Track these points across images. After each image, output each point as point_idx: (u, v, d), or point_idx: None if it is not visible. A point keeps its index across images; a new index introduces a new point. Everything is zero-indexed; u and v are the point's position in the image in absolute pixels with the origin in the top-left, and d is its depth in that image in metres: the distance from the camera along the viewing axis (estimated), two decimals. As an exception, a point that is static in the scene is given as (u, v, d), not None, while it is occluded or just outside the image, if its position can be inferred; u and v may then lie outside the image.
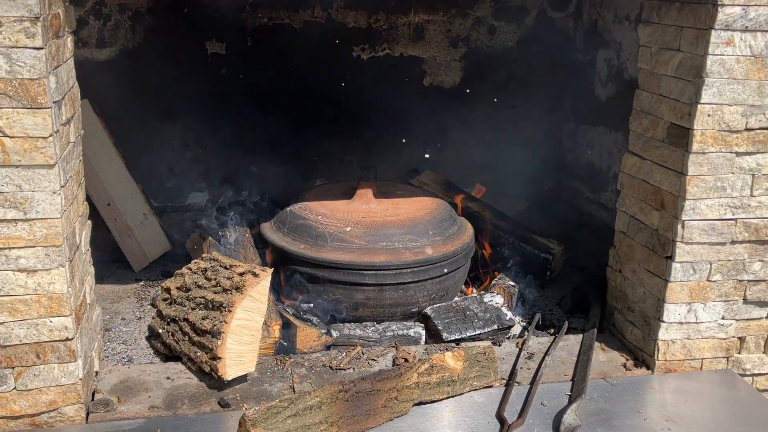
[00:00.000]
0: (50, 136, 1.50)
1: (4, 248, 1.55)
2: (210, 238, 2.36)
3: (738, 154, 1.86)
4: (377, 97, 2.81)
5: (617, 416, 1.82)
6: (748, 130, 1.84)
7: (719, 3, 1.72)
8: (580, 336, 2.19)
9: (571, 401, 1.83)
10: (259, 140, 2.80)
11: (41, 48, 1.44)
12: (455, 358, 1.85)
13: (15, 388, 1.66)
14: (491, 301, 2.27)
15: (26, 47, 1.43)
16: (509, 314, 2.25)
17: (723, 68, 1.78)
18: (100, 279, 2.21)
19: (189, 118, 2.75)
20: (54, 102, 1.52)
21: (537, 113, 3.04)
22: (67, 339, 1.65)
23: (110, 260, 2.64)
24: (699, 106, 1.80)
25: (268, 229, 2.32)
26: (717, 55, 1.77)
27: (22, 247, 1.55)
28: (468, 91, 2.99)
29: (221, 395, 1.83)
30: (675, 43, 1.89)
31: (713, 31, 1.75)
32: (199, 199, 2.90)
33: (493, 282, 2.39)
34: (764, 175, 1.89)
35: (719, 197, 1.88)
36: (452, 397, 1.85)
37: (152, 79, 2.68)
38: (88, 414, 1.74)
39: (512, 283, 2.38)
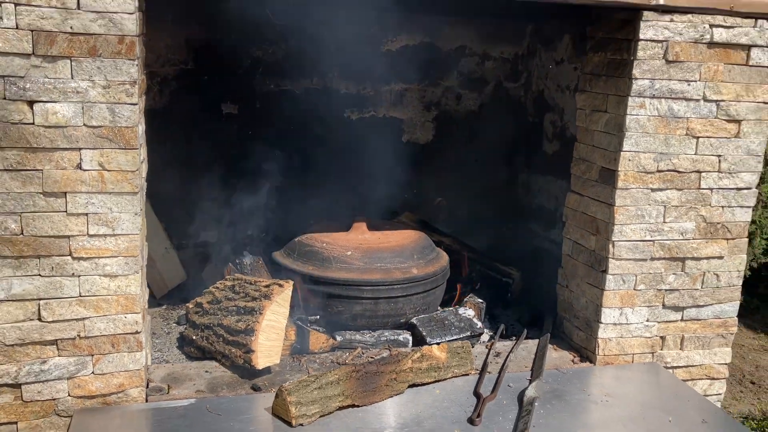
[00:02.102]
0: (136, 170, 1.97)
1: (95, 257, 1.99)
2: (230, 264, 2.81)
3: (653, 189, 2.43)
4: (364, 150, 3.35)
5: (567, 393, 2.31)
6: (659, 171, 2.42)
7: (633, 77, 2.32)
8: (537, 340, 2.70)
9: (531, 381, 2.32)
10: (265, 186, 3.28)
11: (135, 104, 1.93)
12: (440, 349, 2.33)
13: (93, 372, 2.07)
14: (464, 313, 2.76)
15: (126, 103, 1.91)
16: (479, 324, 2.74)
17: (638, 125, 2.36)
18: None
19: (205, 168, 3.22)
20: (139, 145, 2.00)
21: (496, 165, 3.62)
22: (137, 332, 2.08)
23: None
24: (622, 153, 2.38)
25: (280, 256, 2.79)
26: (633, 115, 2.35)
27: (108, 257, 2.00)
28: (439, 146, 3.55)
29: (252, 382, 2.26)
30: (603, 106, 2.48)
31: (630, 98, 2.34)
32: (210, 237, 3.35)
33: (465, 299, 2.89)
34: (673, 206, 2.46)
35: (640, 223, 2.44)
36: (438, 381, 2.32)
37: (175, 134, 3.16)
38: (147, 396, 2.16)
39: (480, 300, 2.88)
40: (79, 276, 1.98)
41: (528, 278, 3.21)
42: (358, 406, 2.12)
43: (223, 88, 3.20)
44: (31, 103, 1.84)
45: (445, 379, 2.33)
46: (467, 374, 2.38)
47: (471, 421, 2.09)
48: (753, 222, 6.49)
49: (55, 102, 1.85)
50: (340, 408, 2.09)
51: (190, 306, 2.61)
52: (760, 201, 6.46)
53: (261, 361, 2.25)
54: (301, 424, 2.00)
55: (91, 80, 1.86)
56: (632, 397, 2.33)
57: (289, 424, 2.00)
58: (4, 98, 1.82)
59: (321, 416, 2.05)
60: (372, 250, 2.69)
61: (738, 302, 2.64)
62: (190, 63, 3.15)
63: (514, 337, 2.76)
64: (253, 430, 1.99)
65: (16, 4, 1.77)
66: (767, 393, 5.63)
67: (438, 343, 2.46)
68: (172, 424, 2.00)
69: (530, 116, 3.57)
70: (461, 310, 2.78)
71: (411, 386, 2.26)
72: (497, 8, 2.80)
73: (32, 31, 1.79)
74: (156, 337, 2.70)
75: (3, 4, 1.75)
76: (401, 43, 3.34)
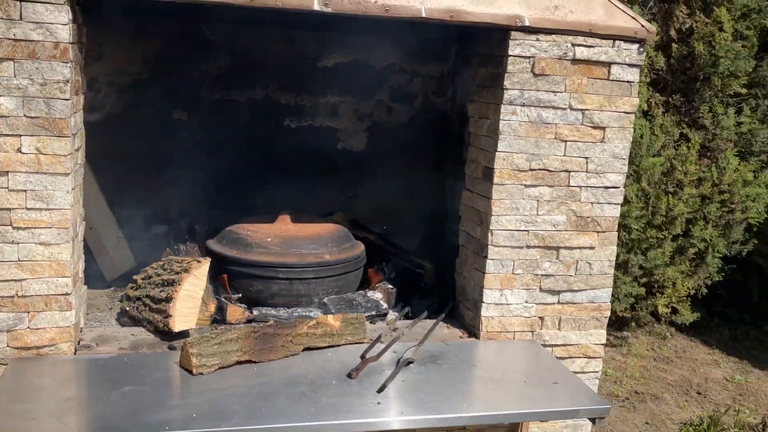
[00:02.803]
0: (69, 155, 2.36)
1: (32, 227, 2.36)
2: (167, 249, 3.18)
3: (526, 186, 2.79)
4: (302, 156, 3.74)
5: (443, 359, 2.65)
6: (531, 170, 2.79)
7: (505, 88, 2.70)
8: (434, 320, 3.05)
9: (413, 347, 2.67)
10: (210, 187, 3.66)
11: (68, 99, 2.32)
12: (335, 319, 2.68)
13: (28, 327, 2.43)
14: (373, 296, 3.12)
15: (59, 98, 2.30)
16: (385, 305, 3.10)
17: (511, 129, 2.74)
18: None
19: (157, 168, 3.61)
20: (72, 134, 2.38)
21: (425, 172, 3.99)
22: (67, 294, 2.44)
23: (89, 273, 3.42)
24: (497, 153, 2.75)
25: (212, 243, 3.16)
26: (506, 120, 2.73)
27: (43, 228, 2.37)
28: (373, 154, 3.93)
29: (170, 343, 2.62)
30: (486, 113, 2.86)
31: (503, 106, 2.72)
32: (160, 230, 3.72)
33: (376, 285, 3.24)
34: (546, 200, 2.82)
35: (515, 215, 2.80)
36: (333, 346, 2.66)
37: (130, 137, 3.55)
38: (76, 351, 2.52)
39: (390, 286, 3.24)
40: (18, 243, 2.35)
41: (443, 271, 3.56)
42: (255, 362, 2.47)
43: (174, 97, 3.59)
44: (-22, 97, 2.23)
45: (339, 345, 2.68)
46: (361, 342, 2.73)
47: (349, 375, 2.43)
48: (704, 240, 6.87)
49: (1, 96, 2.24)
50: (239, 362, 2.45)
51: (130, 284, 2.98)
52: (710, 220, 6.84)
53: (177, 325, 2.61)
54: (201, 373, 2.35)
55: (31, 78, 2.25)
56: (500, 364, 2.67)
57: (191, 372, 2.35)
58: (-43, 92, 2.21)
59: (220, 368, 2.40)
60: (290, 237, 3.06)
61: (610, 289, 2.99)
62: (145, 74, 3.55)
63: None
64: (159, 377, 2.35)
65: (-32, 15, 2.17)
66: (711, 403, 6.00)
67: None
68: (93, 371, 2.36)
69: (455, 127, 3.94)
70: (370, 293, 3.13)
71: (306, 349, 2.61)
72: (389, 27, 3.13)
73: (-19, 37, 2.19)
74: (99, 311, 3.06)
75: (-43, 15, 2.15)
76: (336, 60, 3.73)
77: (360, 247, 3.25)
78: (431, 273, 3.48)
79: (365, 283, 3.33)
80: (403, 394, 2.36)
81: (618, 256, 6.25)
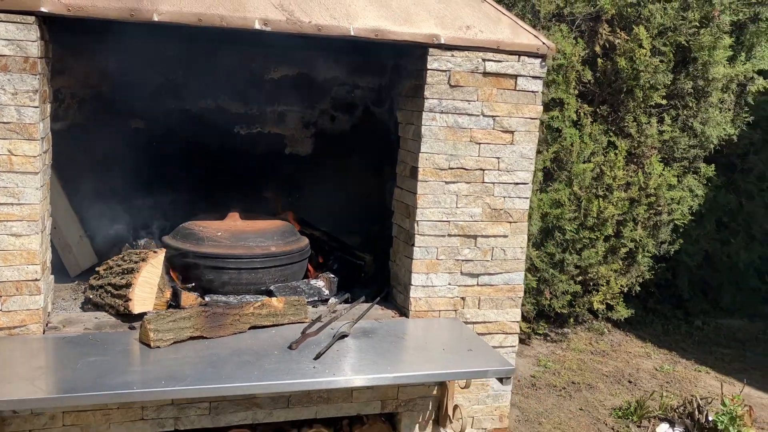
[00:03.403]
0: (38, 156, 2.67)
1: (4, 220, 2.66)
2: (127, 244, 3.49)
3: (446, 182, 3.19)
4: (252, 160, 4.08)
5: (374, 333, 3.02)
6: (450, 168, 3.18)
7: (425, 97, 3.09)
8: (370, 303, 3.41)
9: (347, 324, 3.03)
10: (166, 189, 3.98)
11: (37, 107, 2.64)
12: (278, 301, 3.03)
13: (0, 309, 2.72)
14: (315, 283, 3.47)
15: (29, 106, 2.62)
16: (327, 292, 3.45)
17: (432, 133, 3.13)
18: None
19: (117, 173, 3.91)
20: (41, 138, 2.69)
21: (366, 174, 4.36)
22: (36, 279, 2.74)
23: (54, 269, 3.70)
24: (420, 154, 3.14)
25: (167, 238, 3.48)
26: (428, 126, 3.12)
27: (15, 221, 2.67)
28: (318, 158, 4.29)
29: (130, 324, 2.93)
30: (411, 119, 3.25)
31: (424, 113, 3.11)
32: (122, 231, 4.01)
33: (319, 274, 3.59)
34: (464, 195, 3.22)
35: (437, 208, 3.19)
36: (276, 325, 3.01)
37: (91, 144, 3.85)
38: (44, 331, 2.81)
39: (332, 276, 3.59)
40: (-8, 234, 2.65)
41: (383, 263, 3.93)
42: (206, 338, 2.80)
43: (132, 107, 3.91)
44: (-43, 104, 2.54)
45: (282, 324, 3.03)
46: (302, 322, 3.08)
47: (290, 347, 2.78)
48: (634, 240, 7.39)
49: (-25, 104, 2.55)
50: (192, 338, 2.77)
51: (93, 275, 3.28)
52: (639, 222, 7.37)
53: (137, 308, 2.93)
54: (158, 346, 2.68)
55: (3, 89, 2.57)
56: (424, 337, 3.04)
57: (149, 346, 2.67)
58: (-62, 100, 2.51)
59: (174, 342, 2.72)
60: (238, 232, 3.39)
61: (522, 273, 3.39)
62: (105, 86, 3.86)
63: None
64: (120, 350, 2.66)
65: (-51, 33, 2.48)
66: (640, 390, 6.51)
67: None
68: (60, 346, 2.66)
69: (392, 134, 4.33)
70: (313, 282, 3.48)
71: (253, 327, 2.95)
72: (329, 45, 3.51)
73: (-40, 52, 2.50)
74: (64, 301, 3.35)
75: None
76: (282, 72, 4.10)
77: (304, 241, 3.60)
78: (371, 264, 3.85)
79: (309, 274, 3.68)
80: (336, 360, 2.71)
81: (554, 255, 6.73)
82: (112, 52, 3.77)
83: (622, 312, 7.84)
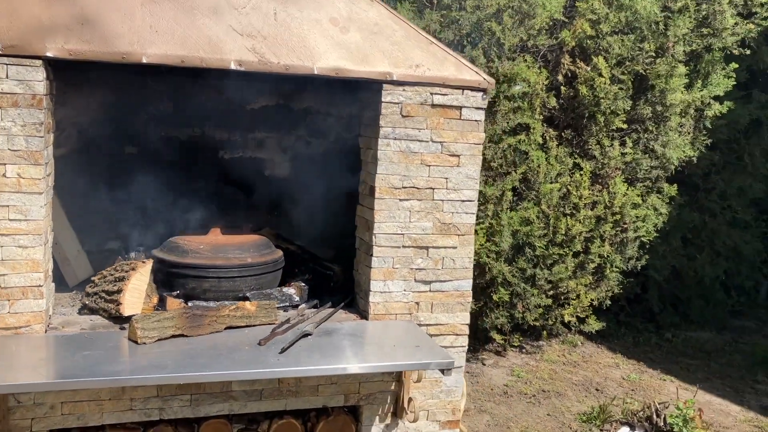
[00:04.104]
0: (42, 178, 3.10)
1: (13, 234, 3.09)
2: (119, 257, 3.92)
3: (400, 200, 3.63)
4: (235, 181, 4.52)
5: (336, 333, 3.43)
6: (404, 187, 3.62)
7: (381, 126, 3.54)
8: (335, 307, 3.83)
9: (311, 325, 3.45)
10: (156, 207, 4.41)
11: (42, 137, 3.08)
12: (251, 305, 3.45)
13: (9, 311, 3.13)
14: (287, 291, 3.89)
15: (36, 136, 3.06)
16: (298, 298, 3.87)
17: (387, 157, 3.57)
18: (50, 279, 3.71)
19: (112, 193, 4.34)
20: (45, 163, 3.13)
21: (339, 194, 4.79)
22: (40, 286, 3.16)
23: (55, 279, 4.12)
24: (377, 175, 3.58)
25: (156, 251, 3.91)
26: (383, 150, 3.57)
27: (22, 234, 3.10)
28: (295, 180, 4.73)
29: (121, 325, 3.35)
30: (370, 145, 3.69)
31: (380, 139, 3.56)
32: (114, 245, 4.44)
33: (291, 283, 4.02)
34: (416, 211, 3.66)
35: (393, 222, 3.62)
36: (250, 326, 3.43)
37: (89, 168, 4.29)
38: (46, 330, 3.23)
39: (303, 284, 4.01)
40: (2, 246, 3.08)
41: (352, 274, 4.35)
42: (186, 336, 3.23)
43: (125, 135, 4.36)
44: (-26, 135, 2.99)
45: (255, 325, 3.44)
46: (272, 323, 3.49)
47: (259, 343, 3.20)
48: (601, 256, 7.81)
49: (-10, 134, 3.00)
50: (174, 336, 3.19)
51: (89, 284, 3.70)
52: (605, 239, 7.81)
53: (127, 311, 3.35)
54: (144, 342, 3.10)
55: (14, 121, 3.01)
56: (380, 336, 3.46)
57: (136, 342, 3.09)
58: (-42, 132, 2.96)
59: (158, 339, 3.14)
60: (219, 245, 3.82)
61: (470, 280, 3.81)
62: (101, 116, 4.31)
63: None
64: (111, 345, 3.08)
65: (-32, 75, 2.94)
66: (607, 398, 6.95)
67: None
68: (60, 343, 3.08)
69: (361, 158, 4.78)
70: (285, 289, 3.91)
71: (228, 328, 3.37)
72: (305, 79, 3.95)
73: (-23, 91, 2.95)
74: (63, 307, 3.76)
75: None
76: (262, 103, 4.56)
77: (278, 253, 4.03)
78: (340, 274, 4.27)
79: (284, 283, 4.10)
80: (299, 354, 3.13)
81: (525, 270, 7.16)
82: (109, 86, 4.23)
83: (594, 325, 8.26)
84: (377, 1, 3.63)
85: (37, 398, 3.14)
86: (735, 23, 7.17)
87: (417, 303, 3.72)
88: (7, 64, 2.97)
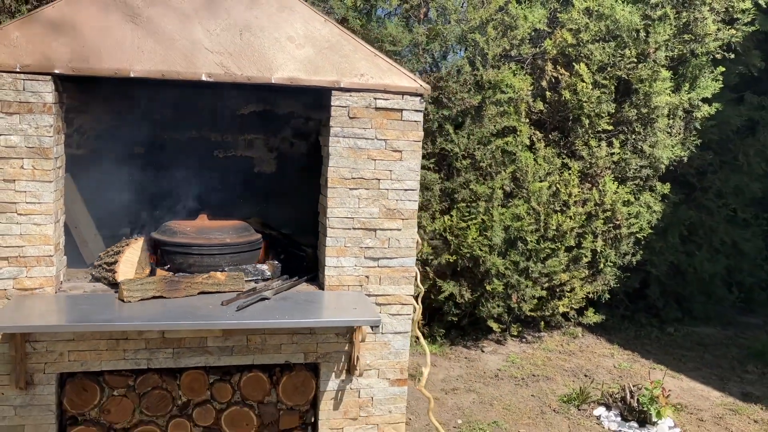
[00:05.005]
0: (52, 170, 3.89)
1: (29, 214, 3.89)
2: (123, 238, 4.70)
3: (350, 189, 4.27)
4: (227, 177, 5.26)
5: (293, 299, 4.10)
6: (353, 178, 4.27)
7: (331, 126, 4.20)
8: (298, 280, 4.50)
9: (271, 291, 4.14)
10: (159, 198, 5.19)
11: (52, 136, 3.87)
12: (222, 275, 4.16)
13: (26, 276, 3.93)
14: (260, 267, 4.59)
15: (46, 136, 3.85)
16: (269, 274, 4.56)
17: (337, 152, 4.23)
18: (70, 264, 4.51)
19: (123, 186, 5.14)
20: (54, 157, 3.93)
21: (318, 188, 5.47)
22: (51, 256, 3.95)
23: (74, 258, 4.94)
24: (329, 168, 4.24)
25: (154, 233, 4.67)
26: (334, 147, 4.22)
27: (36, 214, 3.90)
28: (281, 175, 5.44)
29: (115, 289, 4.11)
30: (326, 143, 4.35)
31: (331, 137, 4.22)
32: (125, 230, 5.23)
33: (265, 261, 4.72)
34: (364, 198, 4.29)
35: (344, 208, 4.27)
36: (220, 292, 4.13)
37: (105, 165, 5.09)
38: (56, 292, 4.01)
39: (276, 262, 4.70)
40: (20, 224, 3.87)
41: (323, 256, 5.01)
42: (165, 297, 3.95)
43: (134, 137, 5.15)
44: (-1, 135, 3.80)
45: (224, 291, 4.15)
46: (240, 290, 4.19)
47: (222, 303, 3.90)
48: (594, 251, 8.23)
49: (10, 135, 3.80)
50: (154, 297, 3.93)
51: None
52: (599, 234, 8.27)
53: (120, 278, 4.10)
54: (129, 300, 3.84)
55: (29, 124, 3.81)
56: (327, 302, 4.12)
57: (123, 300, 3.84)
58: (-13, 133, 3.78)
59: (141, 299, 3.88)
60: (203, 228, 4.56)
61: (414, 257, 4.42)
62: (115, 122, 5.12)
63: (291, 283, 4.57)
64: (104, 302, 3.84)
65: (-6, 89, 3.75)
66: (594, 383, 7.43)
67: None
68: (65, 300, 3.86)
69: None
70: (259, 266, 4.61)
71: (201, 293, 4.09)
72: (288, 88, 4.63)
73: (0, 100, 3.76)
74: (78, 279, 4.56)
75: (-12, 89, 3.73)
76: (251, 109, 5.28)
77: (256, 236, 4.74)
78: (312, 256, 4.94)
79: (263, 263, 4.81)
80: (255, 311, 3.82)
81: (518, 263, 7.68)
82: (121, 98, 5.04)
83: (592, 317, 8.69)
84: (330, 21, 4.30)
85: (48, 346, 3.92)
86: (717, 29, 7.52)
87: (367, 276, 4.36)
88: (24, 80, 3.77)
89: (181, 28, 4.09)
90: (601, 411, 6.46)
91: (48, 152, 3.86)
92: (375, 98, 4.20)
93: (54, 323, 3.53)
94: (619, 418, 6.32)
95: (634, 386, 6.52)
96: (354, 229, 4.30)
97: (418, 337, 4.93)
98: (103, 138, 5.12)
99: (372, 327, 3.85)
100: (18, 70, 3.74)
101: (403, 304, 4.43)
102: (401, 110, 4.25)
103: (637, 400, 6.32)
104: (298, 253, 4.91)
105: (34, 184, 3.87)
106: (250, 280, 4.43)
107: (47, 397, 3.96)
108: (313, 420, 4.40)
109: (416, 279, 4.98)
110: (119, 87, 4.89)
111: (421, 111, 4.27)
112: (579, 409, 6.58)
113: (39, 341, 3.90)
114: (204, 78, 3.96)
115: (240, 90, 5.02)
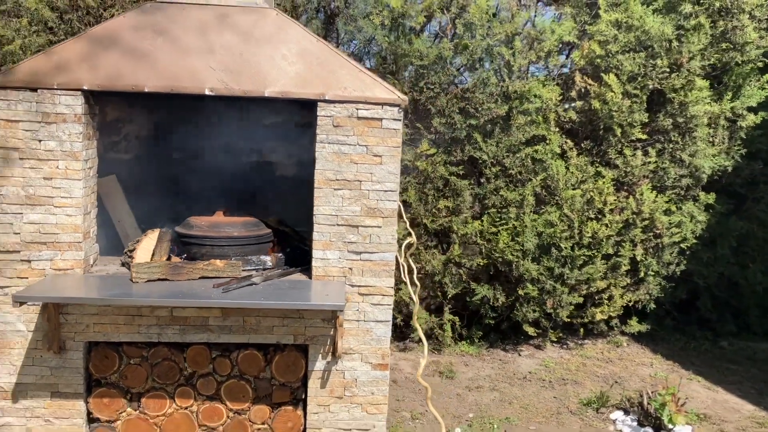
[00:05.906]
0: (81, 170, 4.66)
1: (63, 206, 4.66)
2: (149, 231, 5.43)
3: (335, 189, 4.76)
4: (253, 180, 5.90)
5: (278, 286, 4.64)
6: (337, 180, 4.75)
7: (317, 133, 4.72)
8: (291, 270, 5.03)
9: (262, 278, 4.70)
10: (193, 196, 5.89)
11: (81, 142, 4.64)
12: (221, 262, 4.77)
13: (60, 258, 4.71)
14: (264, 258, 5.16)
15: (77, 141, 4.62)
16: (271, 264, 5.13)
17: (323, 157, 4.74)
18: (112, 251, 5.28)
19: (162, 186, 5.89)
20: (84, 159, 4.69)
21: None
22: (80, 242, 4.71)
23: (116, 247, 5.73)
24: (316, 170, 4.76)
25: (177, 227, 5.37)
26: (320, 152, 4.73)
27: (69, 207, 4.67)
28: (300, 179, 6.01)
29: (134, 273, 4.83)
30: (315, 148, 4.88)
31: (317, 143, 4.73)
32: (159, 223, 5.98)
33: (270, 253, 5.29)
34: (347, 198, 4.77)
35: (329, 206, 4.77)
36: (218, 277, 4.74)
37: (147, 168, 5.87)
38: (85, 272, 4.77)
39: (280, 255, 5.26)
40: (56, 215, 4.66)
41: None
42: (169, 280, 4.61)
43: (173, 143, 5.90)
44: (39, 141, 4.60)
45: (222, 277, 4.76)
46: (236, 276, 4.78)
47: (214, 286, 4.50)
48: (633, 259, 8.27)
49: (48, 141, 4.60)
50: (159, 279, 4.59)
51: (127, 248, 5.25)
52: (637, 243, 8.31)
53: (137, 261, 4.81)
54: (137, 281, 4.53)
55: (63, 132, 4.60)
56: (308, 289, 4.63)
57: (131, 281, 4.53)
58: (31, 139, 4.60)
59: (148, 280, 4.56)
60: (217, 223, 5.20)
61: (394, 252, 4.83)
62: (153, 131, 5.89)
63: (290, 273, 5.12)
64: (119, 282, 4.54)
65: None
66: (622, 389, 7.53)
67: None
68: (91, 280, 4.61)
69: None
70: (262, 257, 5.19)
71: (202, 278, 4.72)
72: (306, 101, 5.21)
73: (41, 112, 4.57)
74: (107, 265, 5.32)
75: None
76: (272, 120, 5.91)
77: (264, 230, 5.32)
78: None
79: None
80: (242, 293, 4.40)
81: (553, 269, 7.88)
82: (161, 111, 5.81)
83: (635, 326, 8.69)
84: (321, 40, 4.84)
85: (77, 318, 4.68)
86: (760, 37, 7.41)
87: (350, 268, 4.83)
88: (59, 95, 4.56)
89: (187, 51, 4.76)
90: (618, 415, 6.56)
91: (78, 155, 4.62)
92: (357, 108, 4.67)
93: (82, 295, 4.29)
94: (635, 423, 6.40)
95: (652, 392, 6.56)
96: (338, 225, 4.78)
97: (416, 330, 5.34)
98: (145, 144, 5.91)
99: (339, 312, 4.32)
100: (55, 86, 4.53)
101: (383, 295, 4.86)
102: (381, 119, 4.70)
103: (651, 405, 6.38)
104: (303, 248, 5.46)
105: (67, 181, 4.64)
106: (251, 269, 5.01)
107: (76, 361, 4.72)
108: (303, 396, 4.91)
109: (412, 275, 5.40)
110: (160, 102, 5.65)
111: (399, 120, 4.70)
112: (597, 412, 6.69)
113: (70, 314, 4.66)
114: (207, 92, 4.60)
115: (261, 104, 5.65)
